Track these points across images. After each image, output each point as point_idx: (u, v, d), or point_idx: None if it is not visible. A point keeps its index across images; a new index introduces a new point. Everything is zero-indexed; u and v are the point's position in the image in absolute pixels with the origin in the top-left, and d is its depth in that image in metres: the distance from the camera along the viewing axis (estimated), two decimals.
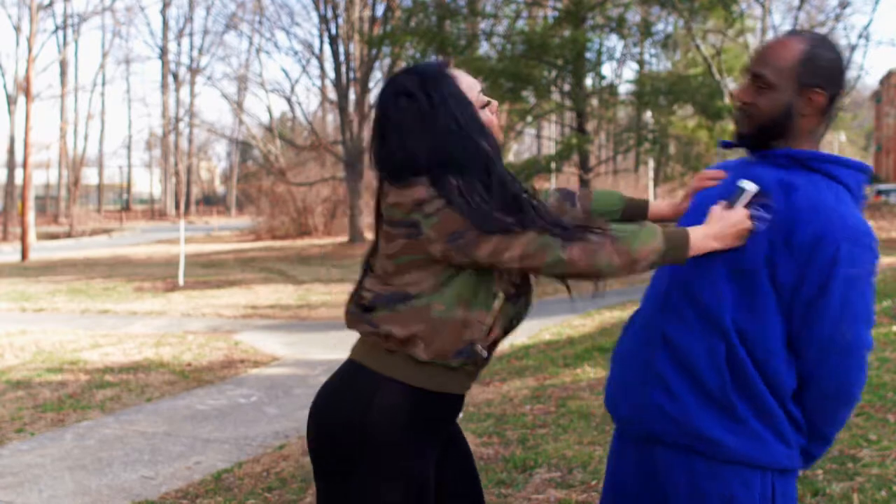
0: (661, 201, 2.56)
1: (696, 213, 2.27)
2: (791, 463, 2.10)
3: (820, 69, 2.08)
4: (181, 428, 6.64)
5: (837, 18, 36.43)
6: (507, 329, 2.28)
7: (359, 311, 2.26)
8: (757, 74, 2.11)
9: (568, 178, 37.77)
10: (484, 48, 30.83)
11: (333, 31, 35.91)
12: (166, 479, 5.40)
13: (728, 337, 2.05)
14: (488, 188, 2.10)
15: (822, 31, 36.16)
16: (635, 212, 2.57)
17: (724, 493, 2.07)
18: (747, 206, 2.09)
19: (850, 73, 40.64)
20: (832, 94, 2.10)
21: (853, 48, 35.64)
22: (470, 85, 2.23)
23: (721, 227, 2.07)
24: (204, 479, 5.35)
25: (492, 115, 2.25)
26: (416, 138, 2.14)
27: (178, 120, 66.04)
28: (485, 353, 2.21)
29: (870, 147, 62.33)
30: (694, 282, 2.14)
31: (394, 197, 2.15)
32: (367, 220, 36.56)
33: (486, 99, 2.25)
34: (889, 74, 48.80)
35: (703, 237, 2.08)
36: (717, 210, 2.11)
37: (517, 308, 2.26)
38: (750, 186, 2.08)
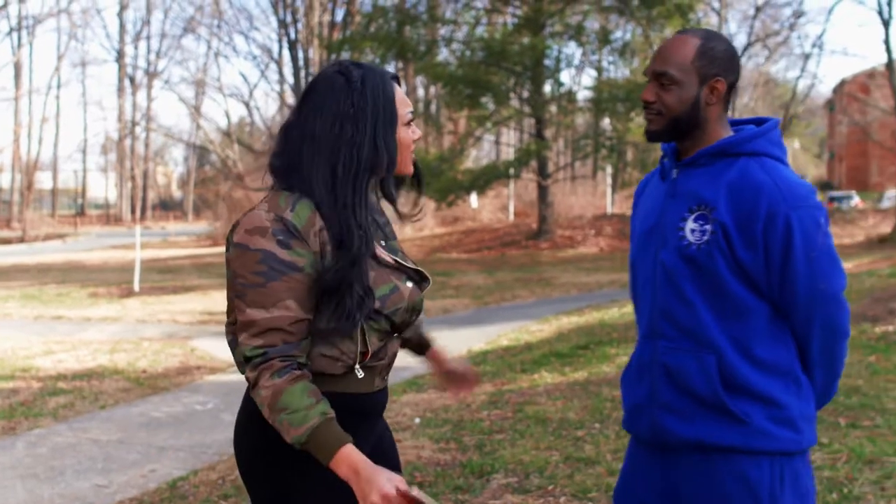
0: (439, 354, 2.66)
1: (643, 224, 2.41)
2: (798, 446, 2.23)
3: (716, 59, 2.23)
4: (135, 435, 6.57)
5: (792, 28, 37.01)
6: (390, 335, 2.23)
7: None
8: (661, 73, 2.24)
9: (526, 184, 37.94)
10: (443, 54, 30.92)
11: (293, 35, 35.84)
12: (120, 488, 5.34)
13: (716, 348, 2.20)
14: (335, 193, 2.10)
15: (777, 39, 36.72)
16: (421, 342, 2.63)
17: (736, 471, 2.21)
18: (685, 241, 2.22)
19: (805, 82, 41.27)
20: (731, 81, 2.26)
21: (807, 57, 36.23)
22: (403, 100, 2.22)
23: (367, 478, 1.96)
24: (159, 488, 5.30)
25: (408, 136, 2.23)
26: (326, 124, 2.13)
27: (134, 124, 65.45)
28: (360, 374, 2.17)
29: (823, 154, 63.27)
30: (671, 306, 2.26)
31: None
32: None
33: (410, 118, 2.24)
34: (842, 83, 49.56)
35: (356, 462, 1.97)
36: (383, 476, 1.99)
37: (385, 322, 2.19)
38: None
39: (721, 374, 2.19)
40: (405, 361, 10.19)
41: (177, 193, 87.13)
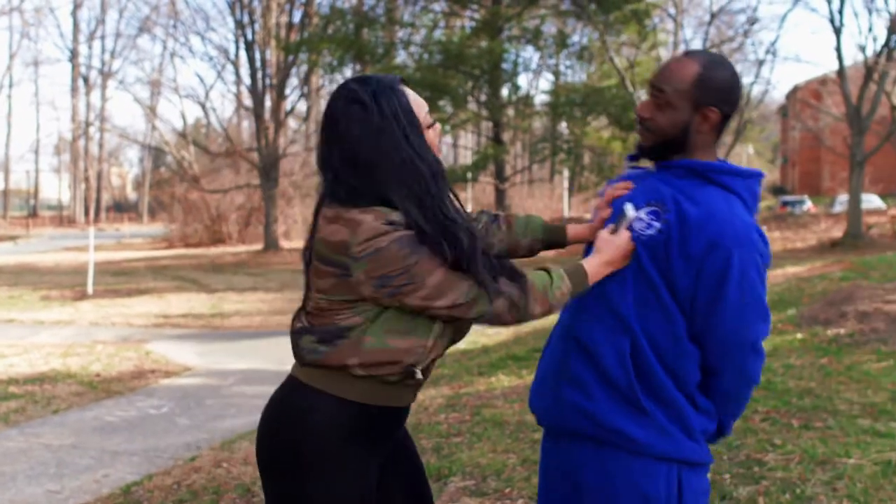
0: (577, 226, 2.61)
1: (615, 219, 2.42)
2: (698, 457, 2.21)
3: (713, 90, 2.23)
4: (89, 440, 6.49)
5: (746, 34, 37.37)
6: (450, 345, 2.31)
7: (298, 334, 2.27)
8: (658, 89, 2.25)
9: (484, 187, 38.01)
10: (401, 57, 30.87)
11: (249, 36, 35.56)
12: (73, 493, 5.27)
13: (633, 334, 2.20)
14: (425, 211, 2.12)
15: (732, 45, 37.11)
16: (555, 237, 2.62)
17: (630, 481, 2.18)
18: (630, 227, 2.27)
19: (758, 88, 41.76)
20: (725, 113, 2.26)
21: (761, 63, 36.58)
22: (419, 104, 2.24)
23: (610, 253, 2.24)
24: (112, 493, 5.24)
25: (434, 137, 2.25)
26: (365, 151, 2.14)
27: (88, 124, 64.62)
28: (420, 376, 2.22)
29: (776, 159, 64.08)
30: (605, 282, 2.27)
31: (325, 229, 2.15)
32: (282, 228, 36.27)
33: (431, 120, 2.25)
34: (795, 89, 50.25)
35: (598, 266, 2.25)
36: (604, 235, 2.28)
37: (458, 327, 2.28)
38: (630, 212, 2.26)
39: (633, 359, 2.20)
40: None
41: (132, 195, 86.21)
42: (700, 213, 2.16)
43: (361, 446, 2.18)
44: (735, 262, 2.12)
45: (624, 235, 2.24)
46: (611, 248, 2.24)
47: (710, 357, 2.21)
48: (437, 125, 2.29)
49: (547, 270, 2.27)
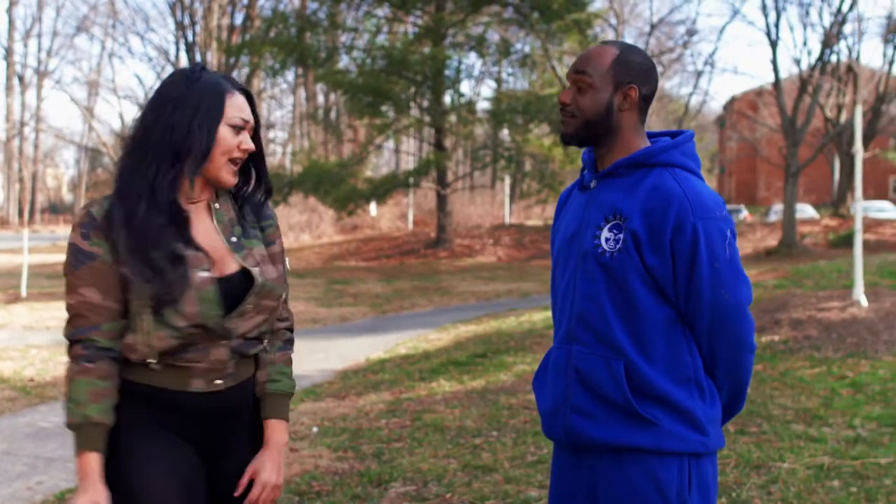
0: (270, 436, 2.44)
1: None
2: (704, 448, 2.31)
3: (632, 70, 2.34)
4: (22, 447, 6.36)
5: (685, 45, 38.01)
6: (193, 329, 2.23)
7: None
8: (579, 72, 2.35)
9: (426, 193, 38.05)
10: (344, 61, 30.80)
11: (190, 38, 35.24)
12: (5, 500, 5.16)
13: (626, 354, 2.27)
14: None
15: (671, 56, 37.66)
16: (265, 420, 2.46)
17: (646, 471, 2.28)
18: (597, 248, 2.32)
19: (697, 98, 42.43)
20: (644, 93, 2.37)
21: (699, 74, 37.22)
22: (237, 106, 2.31)
23: (82, 488, 2.17)
24: (46, 500, 5.14)
25: (233, 139, 2.30)
26: (152, 106, 2.30)
27: (23, 124, 63.35)
28: (157, 367, 2.25)
29: (714, 169, 65.07)
30: (587, 312, 2.34)
31: None
32: None
33: (240, 123, 2.31)
34: (732, 100, 51.05)
35: (84, 469, 2.18)
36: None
37: (173, 314, 2.21)
38: None
39: (629, 379, 2.27)
40: (301, 369, 10.08)
41: (68, 196, 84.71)
42: (656, 203, 2.24)
43: (127, 425, 2.27)
44: (700, 235, 2.21)
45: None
46: (79, 492, 2.16)
47: (702, 334, 2.29)
48: (250, 143, 2.36)
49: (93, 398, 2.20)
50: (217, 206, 2.36)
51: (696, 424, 2.29)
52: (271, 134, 51.55)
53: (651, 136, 2.45)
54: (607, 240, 2.29)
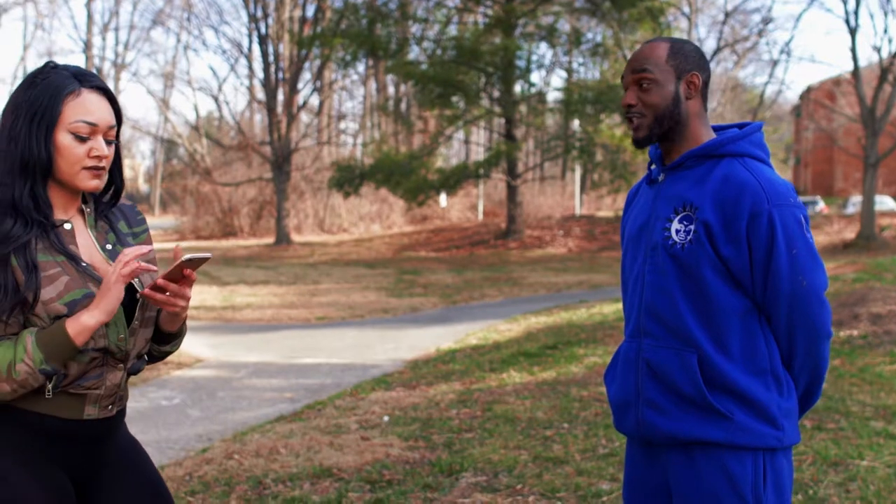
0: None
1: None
2: (780, 443, 2.28)
3: (689, 57, 2.35)
4: None
5: (760, 34, 37.29)
6: (96, 353, 2.11)
7: None
8: (640, 71, 2.34)
9: (496, 184, 38.01)
10: (414, 52, 30.88)
11: (263, 30, 35.60)
12: None
13: (698, 348, 2.26)
14: None
15: (746, 45, 36.97)
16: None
17: (719, 466, 2.26)
18: (667, 239, 2.29)
19: (772, 88, 41.68)
20: (705, 77, 2.37)
21: (775, 63, 36.57)
22: (80, 109, 2.08)
23: (105, 303, 2.02)
24: None
25: (75, 147, 2.07)
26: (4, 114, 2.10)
27: None
28: (49, 394, 2.06)
29: (789, 160, 63.83)
30: (657, 304, 2.33)
31: None
32: (293, 222, 36.32)
33: (83, 129, 2.07)
34: (808, 89, 49.99)
35: (88, 320, 2.01)
36: (106, 280, 2.05)
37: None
38: (186, 256, 2.06)
39: (703, 372, 2.25)
40: (372, 359, 10.18)
41: (144, 187, 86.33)
42: (730, 193, 2.23)
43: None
44: (776, 222, 2.19)
45: (118, 284, 2.02)
46: (106, 297, 2.02)
47: (779, 321, 2.27)
48: (101, 149, 2.10)
49: (16, 342, 2.00)
50: (88, 210, 2.20)
51: (770, 418, 2.26)
52: (342, 125, 51.96)
53: (718, 129, 2.44)
54: (678, 231, 2.29)
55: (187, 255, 2.02)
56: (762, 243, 2.20)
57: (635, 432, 2.39)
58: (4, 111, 2.10)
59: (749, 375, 2.26)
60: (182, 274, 2.06)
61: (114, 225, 2.27)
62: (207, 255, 2.07)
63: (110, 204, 2.27)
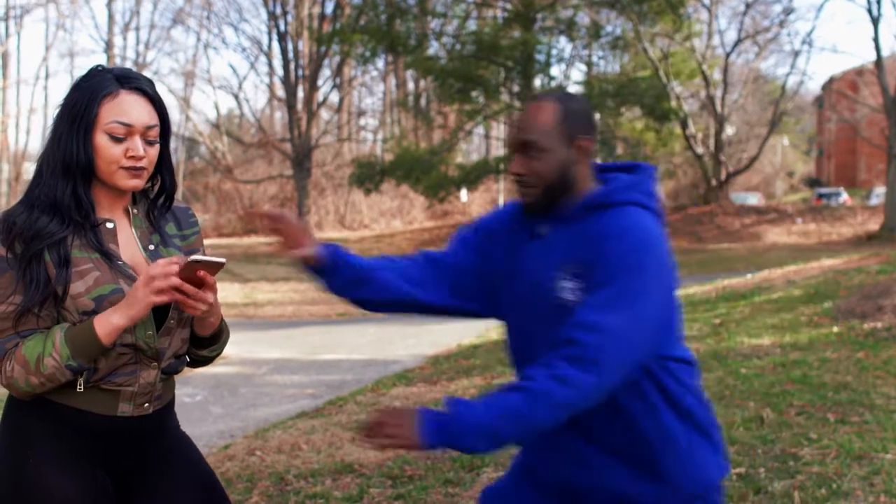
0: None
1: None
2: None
3: (578, 120, 2.20)
4: None
5: (782, 25, 37.06)
6: (123, 349, 2.12)
7: None
8: (528, 142, 2.19)
9: None
10: (434, 48, 30.86)
11: (282, 27, 35.73)
12: None
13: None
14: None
15: (767, 36, 36.72)
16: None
17: None
18: (559, 297, 2.16)
19: (794, 79, 41.40)
20: (594, 137, 2.26)
21: (797, 54, 36.34)
22: (117, 110, 2.10)
23: (133, 307, 2.04)
24: None
25: (112, 148, 2.09)
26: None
27: None
28: (80, 388, 2.10)
29: (812, 151, 63.45)
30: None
31: None
32: (315, 218, 36.43)
33: (119, 129, 2.08)
34: (831, 80, 49.66)
35: (116, 322, 2.04)
36: (138, 284, 2.05)
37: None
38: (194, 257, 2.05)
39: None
40: (393, 354, 10.14)
41: None
42: (608, 243, 2.11)
43: (28, 446, 2.15)
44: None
45: (149, 300, 2.03)
46: (135, 307, 2.04)
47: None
48: (136, 149, 2.11)
49: (46, 336, 2.05)
50: (135, 210, 2.23)
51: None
52: (362, 121, 52.02)
53: (603, 170, 2.32)
54: (572, 290, 2.15)
55: (194, 257, 2.01)
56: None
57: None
58: (55, 115, 2.14)
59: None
60: (196, 276, 2.05)
61: (160, 226, 2.27)
62: (221, 259, 2.06)
63: (165, 206, 2.29)
